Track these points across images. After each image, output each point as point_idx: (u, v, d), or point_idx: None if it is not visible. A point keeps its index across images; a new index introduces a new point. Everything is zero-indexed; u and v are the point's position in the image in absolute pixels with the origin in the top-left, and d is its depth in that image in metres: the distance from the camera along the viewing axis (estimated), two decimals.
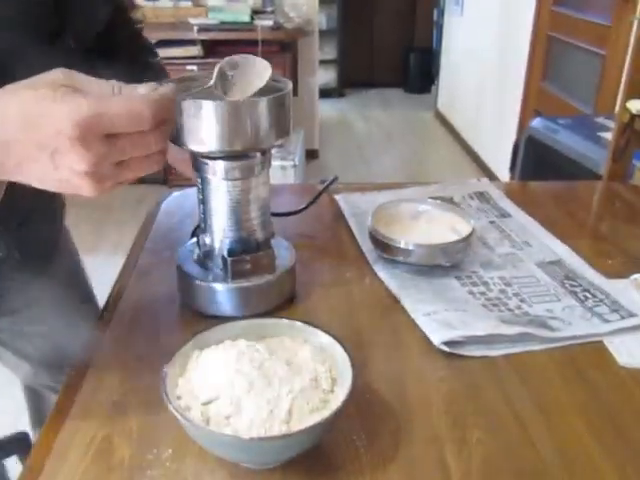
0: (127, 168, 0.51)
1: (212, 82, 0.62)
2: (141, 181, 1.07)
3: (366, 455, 0.55)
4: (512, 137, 3.50)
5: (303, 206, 0.99)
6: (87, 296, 1.09)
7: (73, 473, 0.53)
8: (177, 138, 0.66)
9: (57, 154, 0.47)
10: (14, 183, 0.52)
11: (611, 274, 0.84)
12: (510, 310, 0.76)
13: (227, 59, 0.63)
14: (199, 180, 0.71)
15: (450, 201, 1.04)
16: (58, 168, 0.48)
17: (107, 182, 0.50)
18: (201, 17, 3.50)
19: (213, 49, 3.40)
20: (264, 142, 0.67)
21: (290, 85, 0.69)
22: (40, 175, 0.50)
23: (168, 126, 0.52)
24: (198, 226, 0.76)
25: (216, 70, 0.62)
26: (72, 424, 0.58)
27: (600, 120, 2.35)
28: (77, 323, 0.95)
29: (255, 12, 3.52)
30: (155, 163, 0.52)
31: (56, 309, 1.00)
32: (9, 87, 0.49)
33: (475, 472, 0.53)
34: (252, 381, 0.53)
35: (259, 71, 0.64)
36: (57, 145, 0.47)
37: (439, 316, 0.72)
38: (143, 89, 0.51)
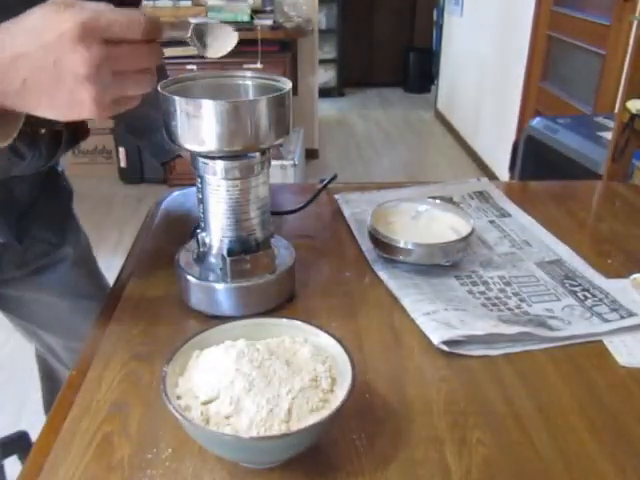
0: (125, 81, 0.53)
1: (188, 35, 0.62)
2: (141, 180, 1.07)
3: (366, 455, 0.55)
4: (512, 137, 3.50)
5: (302, 204, 0.99)
6: (96, 284, 1.10)
7: (73, 472, 0.53)
8: (177, 138, 0.66)
9: (60, 61, 0.50)
10: (11, 180, 0.53)
11: (611, 274, 0.84)
12: (510, 309, 0.76)
13: (198, 21, 0.63)
14: (199, 180, 0.71)
15: (450, 201, 1.04)
16: (61, 77, 0.50)
17: (107, 94, 0.52)
18: (201, 16, 3.49)
19: None
20: (264, 142, 0.67)
21: (289, 84, 0.69)
22: (45, 91, 0.51)
23: (159, 46, 0.55)
24: (198, 226, 0.76)
25: (191, 28, 0.62)
26: (72, 424, 0.58)
27: (600, 120, 2.35)
28: (83, 309, 0.98)
29: (255, 11, 3.51)
30: (149, 81, 0.55)
31: (62, 294, 1.02)
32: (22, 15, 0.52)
33: (475, 472, 0.53)
34: (252, 381, 0.53)
35: (229, 35, 0.65)
36: (60, 51, 0.49)
37: (439, 315, 0.72)
38: None
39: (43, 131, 0.77)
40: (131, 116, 0.99)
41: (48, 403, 1.24)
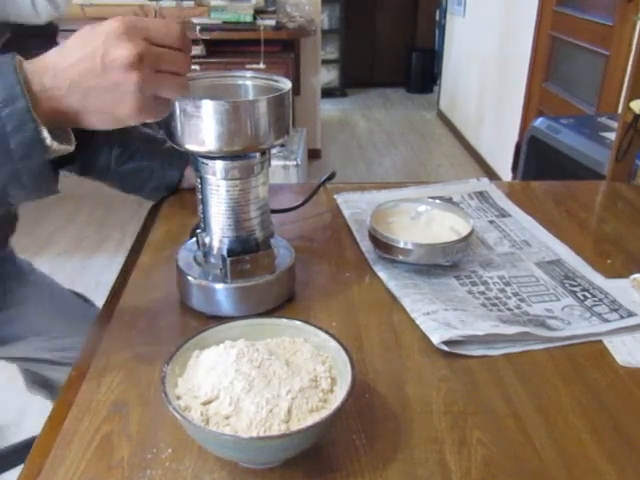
0: (163, 80, 0.56)
1: None
2: None
3: (366, 455, 0.55)
4: (514, 137, 3.49)
5: (301, 203, 1.00)
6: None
7: (73, 473, 0.53)
8: (177, 138, 0.66)
9: (106, 54, 0.53)
10: None
11: (611, 274, 0.84)
12: (509, 310, 0.76)
13: None
14: (199, 180, 0.71)
15: (450, 201, 1.04)
16: (107, 69, 0.53)
17: (149, 85, 0.55)
18: (203, 17, 3.49)
19: (216, 49, 3.40)
20: (264, 142, 0.67)
21: (289, 85, 0.69)
22: (93, 88, 0.54)
23: (189, 56, 0.58)
24: (197, 225, 0.76)
25: None
26: (72, 424, 0.59)
27: (603, 120, 2.34)
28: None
29: (257, 12, 3.51)
30: (182, 85, 0.58)
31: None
32: None
33: (475, 472, 0.53)
34: (252, 381, 0.53)
35: None
36: (106, 46, 0.53)
37: (438, 316, 0.72)
38: None
39: None
40: (123, 173, 1.01)
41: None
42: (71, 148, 0.59)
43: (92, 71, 0.54)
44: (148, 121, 0.59)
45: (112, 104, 0.55)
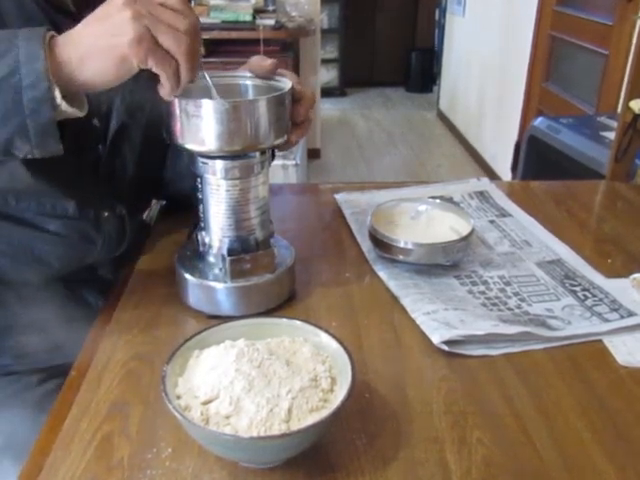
0: (160, 23, 0.57)
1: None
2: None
3: (366, 455, 0.55)
4: (514, 137, 3.49)
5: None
6: None
7: (73, 472, 0.53)
8: (177, 137, 0.66)
9: (107, 5, 0.57)
10: None
11: (611, 273, 0.84)
12: (510, 309, 0.76)
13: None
14: (198, 179, 0.71)
15: (450, 200, 1.04)
16: (107, 15, 0.57)
17: (143, 20, 0.56)
18: (203, 16, 3.49)
19: (215, 48, 3.39)
20: (264, 142, 0.67)
21: (289, 84, 0.69)
22: (94, 30, 0.57)
23: (194, 16, 0.59)
24: (196, 225, 0.76)
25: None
26: (72, 424, 0.59)
27: (602, 120, 2.34)
28: None
29: (257, 11, 3.50)
30: (185, 41, 0.57)
31: None
32: None
33: (475, 472, 0.53)
34: (252, 381, 0.53)
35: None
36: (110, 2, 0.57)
37: (439, 315, 0.72)
38: None
39: (106, 214, 0.80)
40: None
41: None
42: (81, 113, 0.61)
43: (96, 19, 0.58)
44: (158, 74, 0.58)
45: (110, 36, 0.56)
